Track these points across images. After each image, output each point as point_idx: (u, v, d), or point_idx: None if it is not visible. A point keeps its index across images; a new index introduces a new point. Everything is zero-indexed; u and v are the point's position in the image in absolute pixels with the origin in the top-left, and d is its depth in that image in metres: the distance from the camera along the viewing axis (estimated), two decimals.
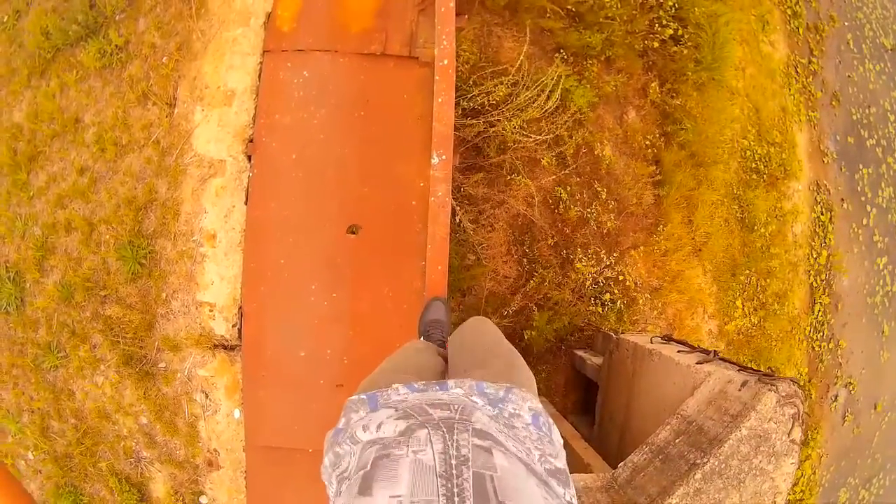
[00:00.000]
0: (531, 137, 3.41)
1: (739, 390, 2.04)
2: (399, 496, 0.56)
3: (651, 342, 2.77)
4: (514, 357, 1.16)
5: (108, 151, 2.33)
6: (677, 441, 2.09)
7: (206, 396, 2.30)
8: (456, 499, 0.54)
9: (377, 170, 2.11)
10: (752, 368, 2.16)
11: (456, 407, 0.75)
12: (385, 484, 0.58)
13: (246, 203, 2.16)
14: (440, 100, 1.66)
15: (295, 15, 2.32)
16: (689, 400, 2.19)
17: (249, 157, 2.18)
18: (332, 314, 2.11)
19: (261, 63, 2.28)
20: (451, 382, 0.91)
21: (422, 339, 1.76)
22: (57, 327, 2.44)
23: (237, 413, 2.29)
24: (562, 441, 0.85)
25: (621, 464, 2.00)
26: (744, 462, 1.86)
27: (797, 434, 1.91)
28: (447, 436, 0.65)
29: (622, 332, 3.50)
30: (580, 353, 3.60)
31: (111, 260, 2.29)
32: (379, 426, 0.73)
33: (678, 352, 2.55)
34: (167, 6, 2.45)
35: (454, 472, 0.58)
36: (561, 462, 0.78)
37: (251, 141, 2.19)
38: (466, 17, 2.75)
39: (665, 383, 2.52)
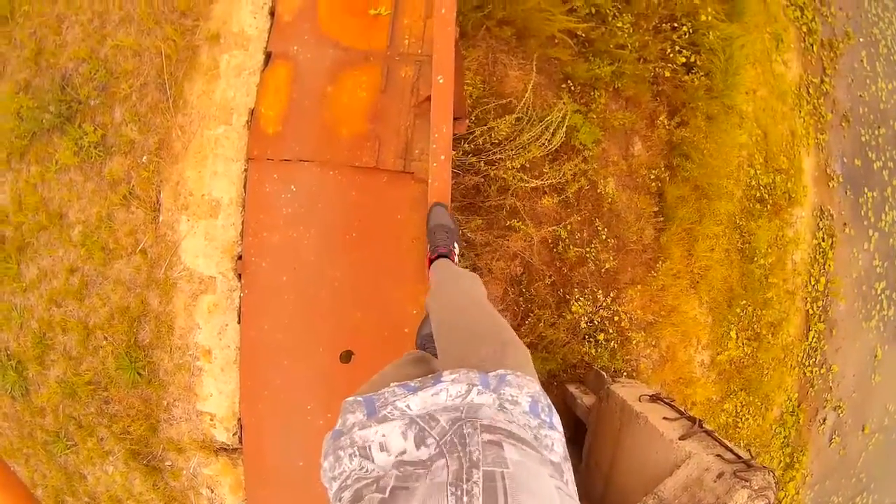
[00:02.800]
0: (532, 182, 3.31)
1: (715, 481, 2.11)
2: None
3: (640, 400, 2.84)
4: (502, 332, 1.07)
5: (96, 257, 2.29)
6: None
7: (212, 491, 2.40)
8: (465, 497, 0.56)
9: (370, 295, 2.08)
10: (732, 451, 2.23)
11: (461, 408, 0.76)
12: None
13: (239, 322, 2.15)
14: None
15: (280, 115, 2.19)
16: (668, 481, 2.27)
17: (240, 276, 2.15)
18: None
19: (245, 170, 2.18)
20: (445, 374, 0.89)
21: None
22: (63, 419, 2.51)
23: None
24: (562, 427, 0.84)
25: None
26: None
27: None
28: (460, 448, 0.65)
29: (614, 376, 3.56)
30: (572, 388, 3.67)
31: (110, 367, 2.31)
32: (386, 437, 0.75)
33: (664, 418, 2.62)
34: (143, 95, 2.31)
35: (465, 475, 0.59)
36: (557, 456, 0.77)
37: (240, 258, 2.14)
38: (466, 119, 2.59)
39: (648, 451, 2.60)
